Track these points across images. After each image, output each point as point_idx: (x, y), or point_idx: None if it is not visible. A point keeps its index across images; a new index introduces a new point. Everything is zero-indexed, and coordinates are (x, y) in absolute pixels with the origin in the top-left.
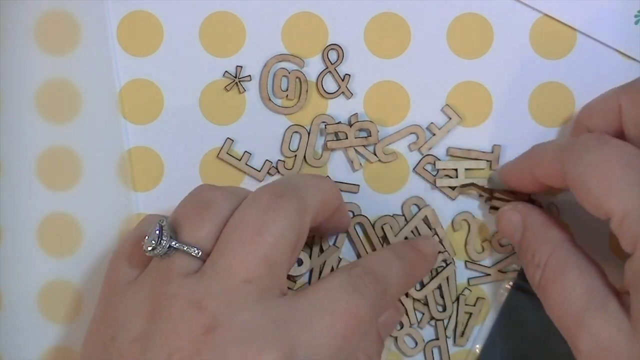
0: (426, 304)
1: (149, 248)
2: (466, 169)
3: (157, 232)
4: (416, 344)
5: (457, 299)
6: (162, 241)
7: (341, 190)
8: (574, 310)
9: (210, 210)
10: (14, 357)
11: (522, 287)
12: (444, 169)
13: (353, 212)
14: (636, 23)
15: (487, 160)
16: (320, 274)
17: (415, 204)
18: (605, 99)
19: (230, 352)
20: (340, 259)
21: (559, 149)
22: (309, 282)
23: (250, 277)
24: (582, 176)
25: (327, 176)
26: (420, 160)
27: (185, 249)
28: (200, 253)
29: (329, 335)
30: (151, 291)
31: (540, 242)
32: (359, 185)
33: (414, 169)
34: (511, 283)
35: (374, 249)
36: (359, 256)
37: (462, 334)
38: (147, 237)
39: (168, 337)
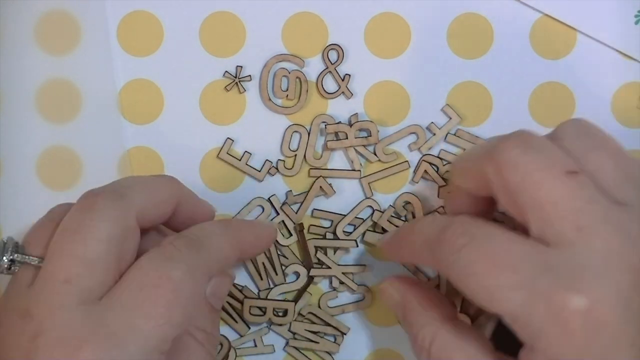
0: None
1: None
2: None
3: (1, 248)
4: None
5: None
6: (2, 256)
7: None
8: None
9: (49, 222)
10: None
11: None
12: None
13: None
14: (636, 23)
15: None
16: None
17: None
18: (472, 165)
19: (55, 353)
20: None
21: (429, 245)
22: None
23: (67, 277)
24: (460, 283)
25: (165, 175)
26: (418, 165)
27: (25, 260)
28: (39, 261)
29: (146, 311)
30: None
31: (421, 324)
32: None
33: (412, 179)
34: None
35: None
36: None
37: None
38: None
39: (3, 351)
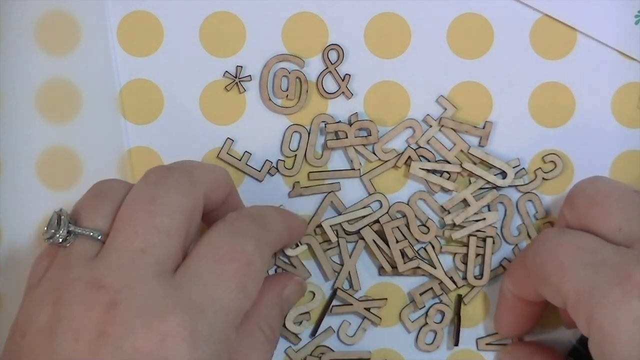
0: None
1: (47, 236)
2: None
3: (55, 220)
4: (434, 338)
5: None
6: (60, 228)
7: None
8: None
9: (105, 195)
10: None
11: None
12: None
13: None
14: (636, 23)
15: (478, 136)
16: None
17: (422, 199)
18: (561, 215)
19: (134, 324)
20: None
21: (520, 259)
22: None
23: (144, 247)
24: (540, 265)
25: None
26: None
27: (84, 232)
28: (99, 235)
29: (225, 283)
30: (55, 281)
31: None
32: None
33: (395, 163)
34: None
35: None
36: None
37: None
38: (46, 227)
39: (71, 322)
